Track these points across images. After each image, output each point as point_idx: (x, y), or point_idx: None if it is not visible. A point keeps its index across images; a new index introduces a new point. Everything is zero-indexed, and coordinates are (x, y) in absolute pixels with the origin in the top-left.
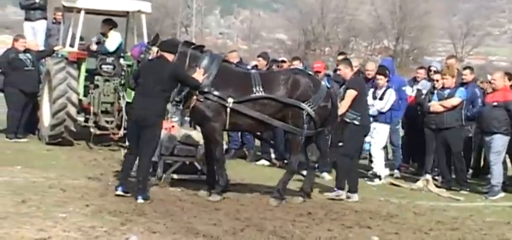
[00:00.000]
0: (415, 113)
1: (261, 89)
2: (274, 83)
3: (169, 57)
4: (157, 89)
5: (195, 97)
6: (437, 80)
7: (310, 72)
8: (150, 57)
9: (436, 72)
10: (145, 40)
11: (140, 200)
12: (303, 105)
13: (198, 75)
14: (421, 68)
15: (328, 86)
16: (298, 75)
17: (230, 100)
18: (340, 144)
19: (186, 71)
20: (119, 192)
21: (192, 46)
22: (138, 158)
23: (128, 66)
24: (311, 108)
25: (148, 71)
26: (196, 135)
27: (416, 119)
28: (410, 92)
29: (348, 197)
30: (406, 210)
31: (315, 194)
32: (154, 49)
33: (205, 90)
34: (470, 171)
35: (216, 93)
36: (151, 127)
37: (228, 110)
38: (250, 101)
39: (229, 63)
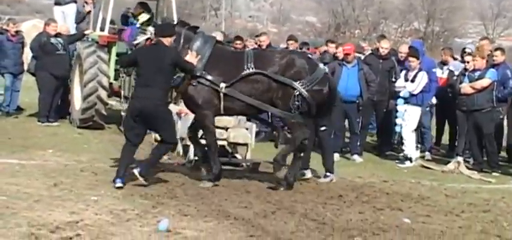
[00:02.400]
0: (446, 95)
1: (252, 66)
2: (267, 60)
3: (167, 41)
4: (159, 79)
5: (186, 81)
6: (468, 62)
7: (309, 55)
8: (141, 40)
9: (469, 54)
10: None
11: (136, 171)
12: (295, 84)
13: (191, 57)
14: (446, 48)
15: (359, 68)
16: (294, 55)
17: (222, 85)
18: (323, 128)
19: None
20: (118, 184)
21: (186, 27)
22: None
23: None
24: (304, 88)
25: (147, 60)
26: (227, 118)
27: (448, 101)
28: (440, 74)
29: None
30: (438, 192)
31: (346, 176)
32: (151, 29)
33: (198, 74)
34: (502, 153)
35: (208, 77)
36: (161, 116)
37: (221, 94)
38: (241, 79)
39: (222, 45)
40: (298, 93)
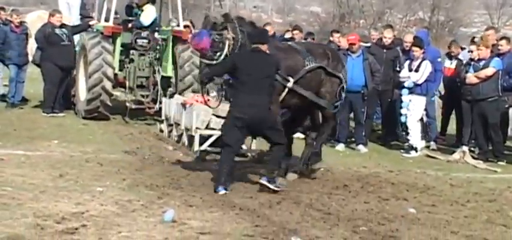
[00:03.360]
0: (454, 86)
1: (311, 60)
2: (317, 54)
3: (264, 47)
4: (266, 86)
5: None
6: (472, 51)
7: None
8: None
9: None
10: (180, 14)
11: (264, 181)
12: (341, 76)
13: None
14: (454, 42)
15: (364, 58)
16: (330, 48)
17: (291, 80)
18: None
19: None
20: (222, 192)
21: (245, 22)
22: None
23: (163, 40)
24: (344, 79)
25: (252, 67)
26: None
27: (455, 91)
28: (448, 64)
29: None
30: (443, 182)
31: (351, 166)
32: (230, 36)
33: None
34: (508, 142)
35: (281, 73)
36: (270, 121)
37: (286, 90)
38: (304, 75)
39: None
40: (342, 85)
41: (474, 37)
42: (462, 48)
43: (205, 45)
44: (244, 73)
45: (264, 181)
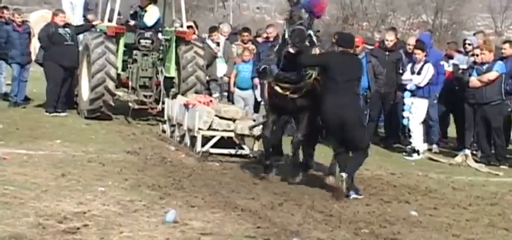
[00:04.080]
0: (452, 88)
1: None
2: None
3: (350, 51)
4: (356, 87)
5: (314, 79)
6: (476, 55)
7: None
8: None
9: (471, 45)
10: (183, 15)
11: (354, 196)
12: None
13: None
14: (451, 43)
15: (367, 60)
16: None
17: None
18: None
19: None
20: (353, 196)
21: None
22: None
23: (166, 40)
24: None
25: (344, 67)
26: (234, 109)
27: (454, 94)
28: (446, 67)
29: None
30: (445, 185)
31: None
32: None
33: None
34: (510, 146)
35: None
36: (359, 123)
37: None
38: None
39: None
40: None
41: (465, 39)
42: (459, 52)
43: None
44: (335, 72)
45: (354, 195)
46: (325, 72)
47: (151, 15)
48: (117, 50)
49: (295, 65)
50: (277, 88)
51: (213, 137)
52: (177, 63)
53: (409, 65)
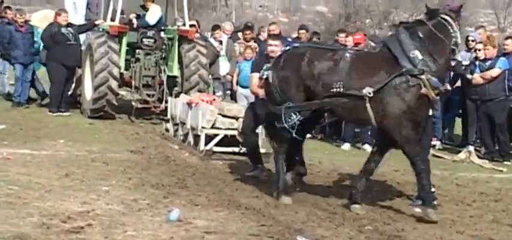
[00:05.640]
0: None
1: None
2: None
3: None
4: None
5: None
6: (478, 50)
7: None
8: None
9: (474, 41)
10: (186, 14)
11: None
12: None
13: None
14: None
15: None
16: None
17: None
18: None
19: None
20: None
21: None
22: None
23: (169, 39)
24: None
25: None
26: (237, 108)
27: (453, 91)
28: None
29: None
30: (449, 181)
31: (357, 166)
32: None
33: None
34: None
35: None
36: None
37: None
38: None
39: None
40: None
41: (468, 36)
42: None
43: None
44: None
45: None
46: None
47: (153, 14)
48: (120, 49)
49: None
50: None
51: (216, 135)
52: (180, 62)
53: None
